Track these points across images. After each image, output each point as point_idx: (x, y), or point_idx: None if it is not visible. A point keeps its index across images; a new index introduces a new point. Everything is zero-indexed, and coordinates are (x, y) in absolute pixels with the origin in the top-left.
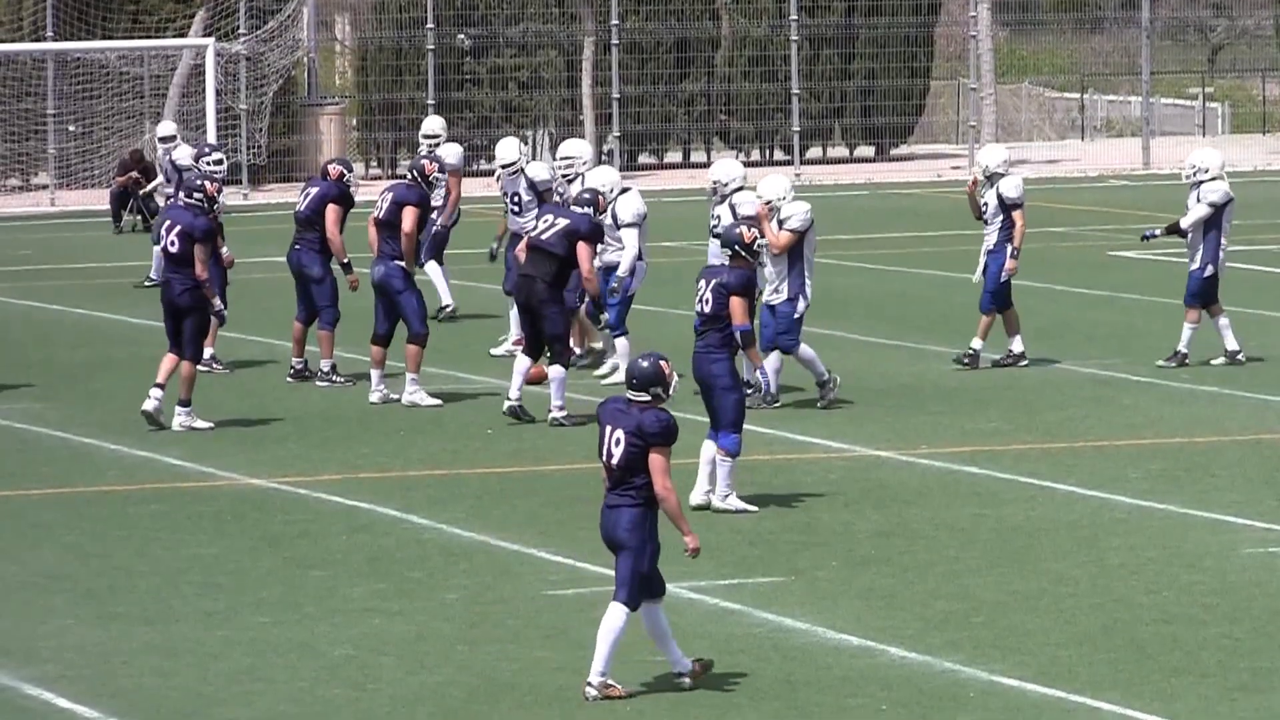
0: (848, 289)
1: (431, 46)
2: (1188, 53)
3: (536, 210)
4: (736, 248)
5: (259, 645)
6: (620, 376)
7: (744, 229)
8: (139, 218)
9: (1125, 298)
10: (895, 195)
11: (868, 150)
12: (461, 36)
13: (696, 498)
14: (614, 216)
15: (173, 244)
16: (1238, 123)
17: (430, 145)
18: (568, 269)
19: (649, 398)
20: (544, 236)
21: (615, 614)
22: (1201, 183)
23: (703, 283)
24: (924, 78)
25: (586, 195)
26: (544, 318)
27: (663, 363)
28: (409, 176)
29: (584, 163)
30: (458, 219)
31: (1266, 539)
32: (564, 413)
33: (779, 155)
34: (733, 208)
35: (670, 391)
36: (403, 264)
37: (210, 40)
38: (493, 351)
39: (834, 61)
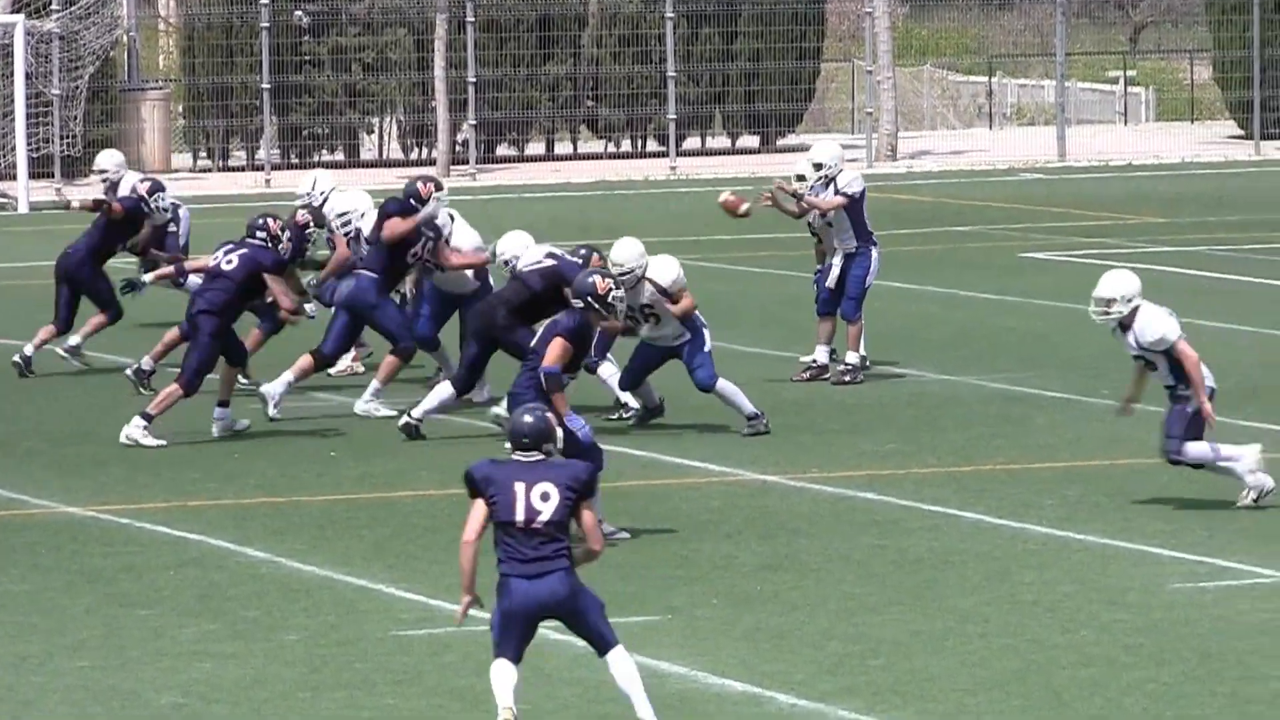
0: (731, 295)
1: (265, 24)
2: (1107, 32)
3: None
4: (588, 299)
5: (77, 693)
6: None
7: (598, 278)
8: None
9: (1039, 304)
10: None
11: (752, 140)
12: (299, 13)
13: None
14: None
15: None
16: (1163, 110)
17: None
18: (538, 306)
19: (542, 456)
20: (524, 269)
21: (626, 658)
22: None
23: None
24: (814, 60)
25: (584, 251)
26: (507, 343)
27: (549, 415)
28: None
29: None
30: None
31: (1195, 573)
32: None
33: (652, 145)
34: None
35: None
36: (375, 276)
37: (19, 17)
38: (330, 371)
39: (714, 41)
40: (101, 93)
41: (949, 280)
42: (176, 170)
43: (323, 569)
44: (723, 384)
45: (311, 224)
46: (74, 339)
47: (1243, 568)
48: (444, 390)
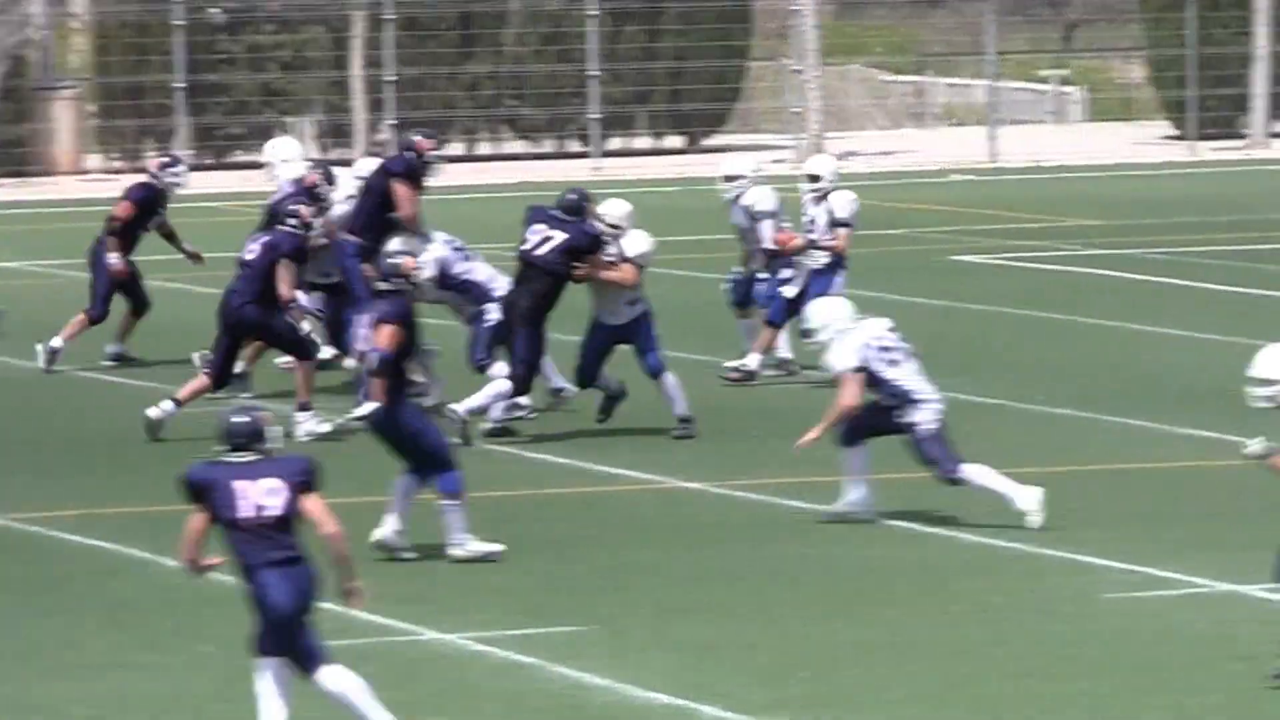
0: (654, 298)
1: (180, 22)
2: (1039, 30)
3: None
4: (395, 280)
5: None
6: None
7: (406, 258)
8: None
9: (971, 308)
10: (709, 191)
11: (677, 140)
12: (214, 10)
13: (380, 534)
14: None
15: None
16: (1097, 109)
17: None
18: (559, 290)
19: (255, 457)
20: (538, 252)
21: (347, 675)
22: None
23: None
24: (741, 58)
25: (572, 196)
26: (518, 338)
27: (262, 414)
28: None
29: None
30: None
31: (1131, 582)
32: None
33: (575, 145)
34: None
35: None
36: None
37: None
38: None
39: (638, 39)
40: (12, 92)
41: (878, 284)
42: (88, 171)
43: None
44: (669, 377)
45: (321, 183)
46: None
47: (1179, 577)
48: (500, 385)
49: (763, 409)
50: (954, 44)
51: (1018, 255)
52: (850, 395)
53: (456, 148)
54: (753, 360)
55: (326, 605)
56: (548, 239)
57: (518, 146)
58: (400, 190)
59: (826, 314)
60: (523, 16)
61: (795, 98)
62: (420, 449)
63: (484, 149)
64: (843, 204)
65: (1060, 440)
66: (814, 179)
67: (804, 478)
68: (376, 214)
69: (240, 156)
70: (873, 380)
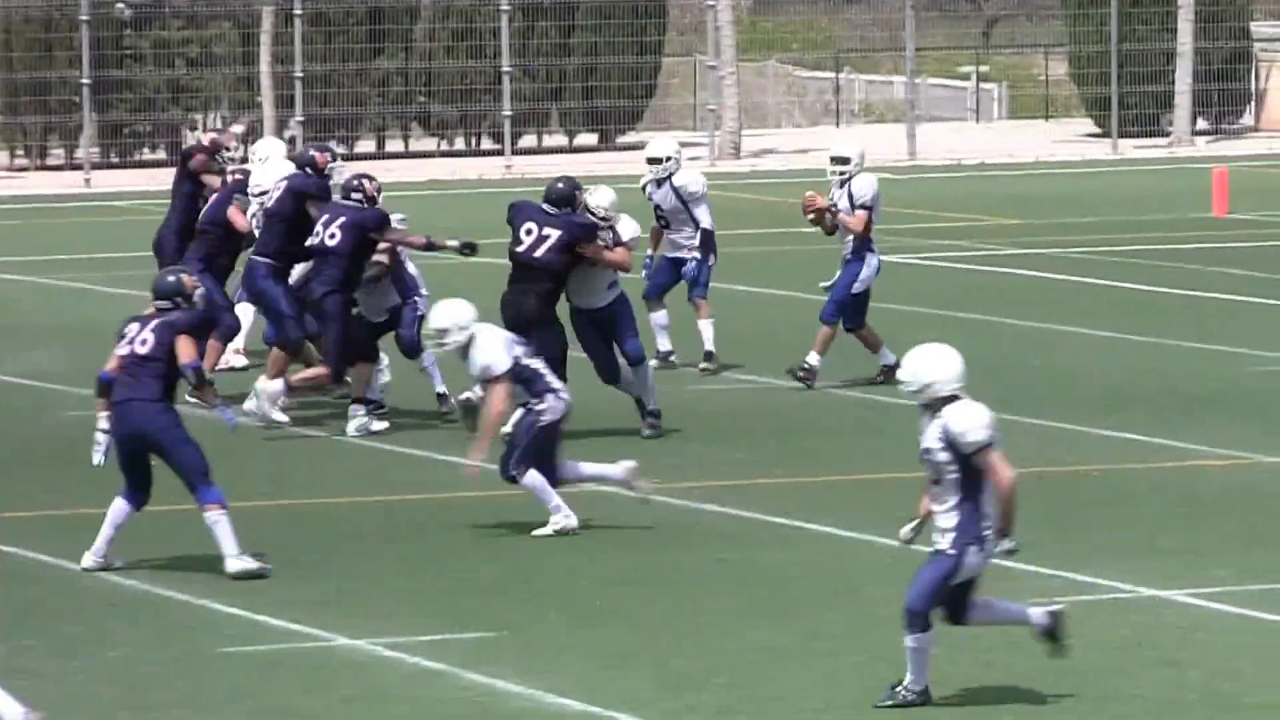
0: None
1: (86, 17)
2: (959, 26)
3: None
4: (177, 299)
5: None
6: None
7: (184, 277)
8: None
9: (889, 309)
10: (622, 190)
11: (590, 138)
12: (121, 5)
13: (87, 561)
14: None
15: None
16: (1016, 107)
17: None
18: (562, 286)
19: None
20: (536, 254)
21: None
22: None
23: (135, 325)
24: (655, 54)
25: (562, 186)
26: (536, 339)
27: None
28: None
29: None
30: None
31: (1050, 588)
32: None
33: (487, 143)
34: (850, 197)
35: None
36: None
37: None
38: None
39: (551, 35)
40: None
41: (795, 284)
42: None
43: (146, 584)
44: (649, 365)
45: (334, 159)
46: None
47: (1100, 582)
48: None
49: (682, 412)
50: (872, 40)
51: (936, 255)
52: (503, 397)
53: (366, 145)
54: (814, 358)
55: (233, 611)
56: (543, 239)
57: (429, 144)
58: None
59: (453, 315)
60: (433, 12)
61: (711, 95)
62: (185, 461)
63: (394, 146)
64: (863, 188)
65: None
66: (841, 161)
67: (721, 481)
68: (289, 237)
69: (146, 154)
70: (521, 376)
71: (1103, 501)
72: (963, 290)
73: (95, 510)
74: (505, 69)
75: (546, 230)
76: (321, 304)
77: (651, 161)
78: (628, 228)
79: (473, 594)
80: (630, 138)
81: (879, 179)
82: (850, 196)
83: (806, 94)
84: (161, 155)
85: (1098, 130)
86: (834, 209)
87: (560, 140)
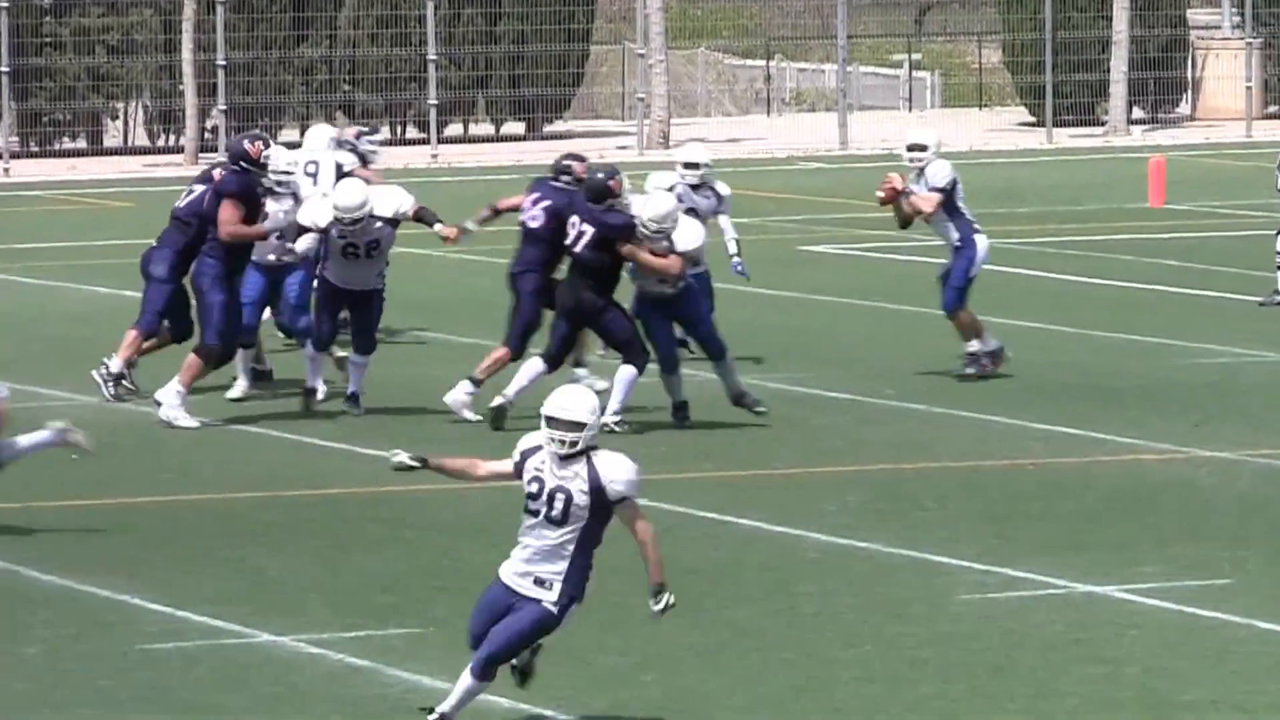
0: (492, 290)
1: (4, 4)
2: (891, 14)
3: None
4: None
5: None
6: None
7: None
8: None
9: (820, 299)
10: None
11: (517, 126)
12: None
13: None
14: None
15: None
16: (949, 95)
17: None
18: (613, 273)
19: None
20: (578, 249)
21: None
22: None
23: None
24: (583, 42)
25: (599, 177)
26: (603, 327)
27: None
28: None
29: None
30: None
31: (985, 583)
32: (617, 418)
33: (413, 132)
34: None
35: None
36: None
37: None
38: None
39: (477, 23)
40: None
41: (723, 274)
42: None
43: (63, 579)
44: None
45: (266, 146)
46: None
47: (1033, 577)
48: (535, 366)
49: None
50: (804, 28)
51: (868, 245)
52: None
53: (290, 134)
54: (974, 344)
55: (154, 607)
56: (581, 234)
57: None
58: (225, 211)
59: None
60: None
61: (639, 83)
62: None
63: None
64: (937, 173)
65: (913, 437)
66: (919, 148)
67: (645, 475)
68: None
69: (66, 143)
70: None
71: (1037, 496)
72: (894, 281)
73: (13, 504)
74: (431, 57)
75: (584, 226)
76: (516, 280)
77: (689, 166)
78: (688, 236)
79: (397, 590)
80: (557, 126)
81: (952, 165)
82: (926, 183)
83: (737, 82)
84: (82, 144)
85: (1032, 119)
86: (909, 192)
87: (487, 129)
